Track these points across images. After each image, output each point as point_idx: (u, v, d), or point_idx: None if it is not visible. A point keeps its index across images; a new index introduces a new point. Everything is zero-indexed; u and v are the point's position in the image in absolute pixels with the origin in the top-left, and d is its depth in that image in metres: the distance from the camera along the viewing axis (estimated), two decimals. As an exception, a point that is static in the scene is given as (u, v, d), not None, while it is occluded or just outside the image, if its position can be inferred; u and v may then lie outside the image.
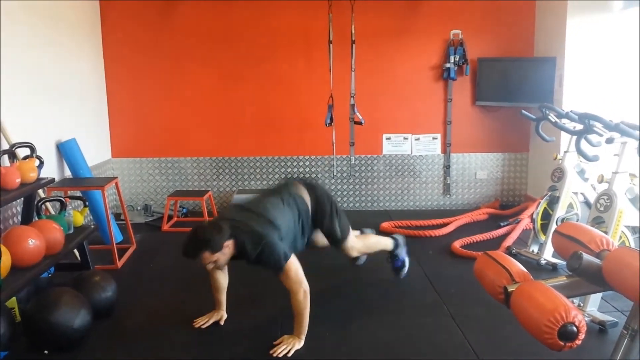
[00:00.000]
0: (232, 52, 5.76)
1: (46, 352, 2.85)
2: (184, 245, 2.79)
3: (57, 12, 4.67)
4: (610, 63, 5.00)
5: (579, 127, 3.81)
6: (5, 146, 3.62)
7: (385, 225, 5.17)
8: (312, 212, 3.31)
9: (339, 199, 6.02)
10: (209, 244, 2.74)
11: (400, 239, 3.87)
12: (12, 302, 3.13)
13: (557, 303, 1.99)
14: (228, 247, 2.81)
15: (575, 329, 1.95)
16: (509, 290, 2.24)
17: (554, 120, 4.09)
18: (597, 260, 2.19)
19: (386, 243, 3.80)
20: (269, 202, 3.14)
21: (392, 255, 3.84)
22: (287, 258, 2.84)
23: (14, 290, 2.81)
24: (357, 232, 3.86)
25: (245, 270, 3.08)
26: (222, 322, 3.22)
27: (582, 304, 3.22)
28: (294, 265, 2.88)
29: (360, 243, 3.61)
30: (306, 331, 2.93)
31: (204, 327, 3.17)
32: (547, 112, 4.14)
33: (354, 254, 3.61)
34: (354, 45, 5.40)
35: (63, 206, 3.64)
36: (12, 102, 3.87)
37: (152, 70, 5.77)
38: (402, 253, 3.85)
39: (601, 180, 3.52)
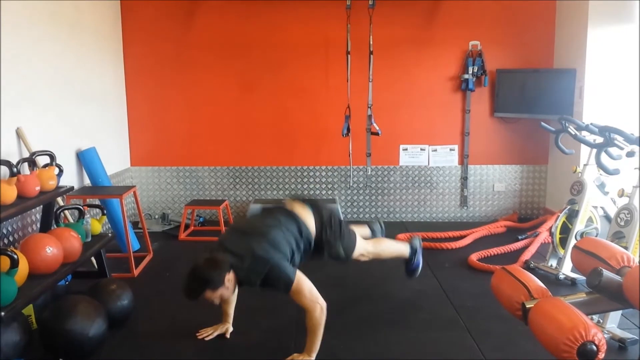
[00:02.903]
0: (250, 62, 5.81)
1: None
2: (184, 289, 2.67)
3: (79, 21, 4.73)
4: (632, 75, 4.92)
5: (599, 140, 3.77)
6: (26, 154, 3.67)
7: (401, 236, 5.13)
8: (316, 236, 3.08)
9: (354, 210, 6.01)
10: (209, 283, 2.63)
11: (417, 244, 3.65)
12: (29, 310, 3.16)
13: (576, 321, 1.96)
14: (229, 280, 2.69)
15: (594, 347, 1.92)
16: (527, 306, 2.21)
17: (573, 133, 4.06)
18: (617, 277, 2.16)
19: (400, 250, 3.59)
20: (269, 223, 2.96)
21: (408, 261, 3.63)
22: (293, 278, 2.74)
23: (31, 298, 2.84)
24: (367, 231, 3.73)
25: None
26: (227, 335, 3.18)
27: (601, 321, 3.16)
28: (305, 283, 2.78)
29: (371, 247, 3.38)
30: (318, 349, 2.85)
31: (207, 339, 3.13)
32: (567, 124, 4.11)
33: (363, 259, 3.37)
34: (371, 56, 5.39)
35: (81, 214, 3.68)
36: (33, 110, 3.94)
37: (171, 80, 5.83)
38: (419, 258, 3.64)
39: (621, 194, 3.48)
